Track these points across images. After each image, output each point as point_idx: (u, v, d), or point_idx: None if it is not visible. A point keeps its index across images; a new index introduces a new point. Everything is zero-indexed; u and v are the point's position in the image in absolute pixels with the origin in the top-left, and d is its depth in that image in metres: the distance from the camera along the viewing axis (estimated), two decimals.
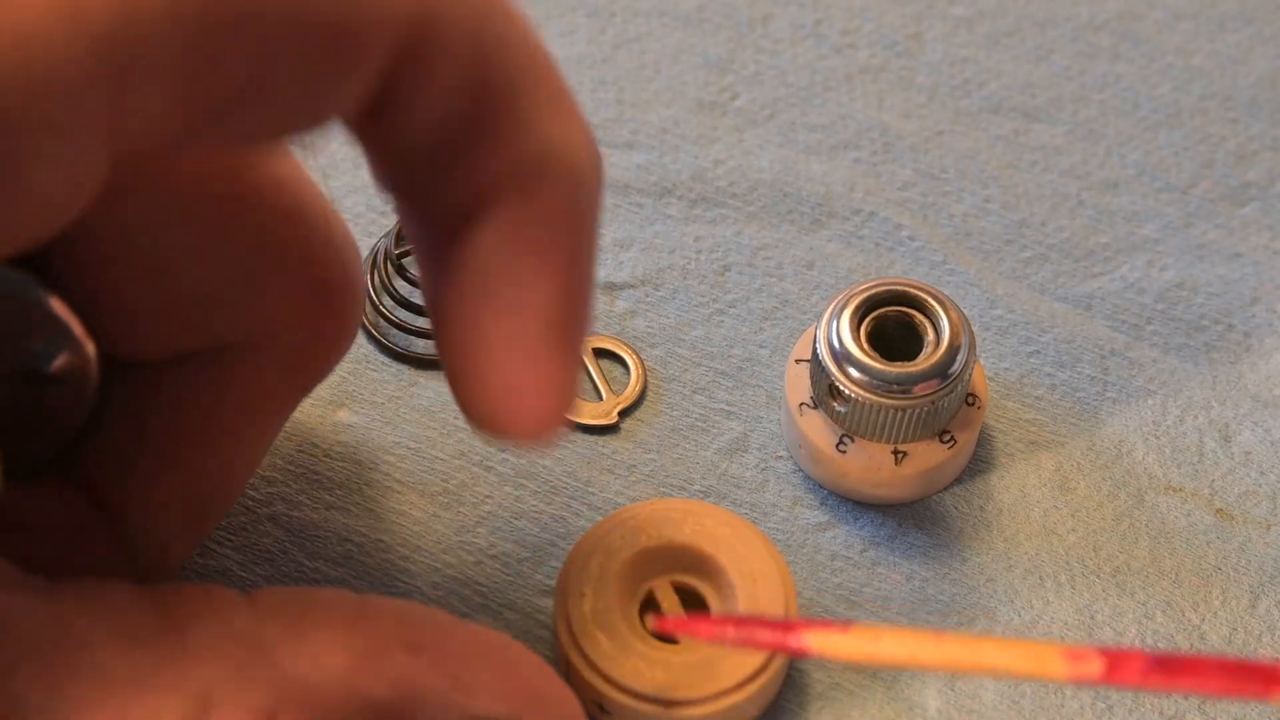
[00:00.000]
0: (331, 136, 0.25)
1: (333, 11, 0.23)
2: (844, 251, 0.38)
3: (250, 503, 0.33)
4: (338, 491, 0.34)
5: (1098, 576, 0.33)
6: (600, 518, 0.33)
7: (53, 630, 0.24)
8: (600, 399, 0.35)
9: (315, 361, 0.30)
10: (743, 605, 0.31)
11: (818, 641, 0.28)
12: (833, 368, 0.32)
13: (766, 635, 0.29)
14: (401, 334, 0.36)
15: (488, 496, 0.34)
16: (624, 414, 0.35)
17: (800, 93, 0.40)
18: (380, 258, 0.36)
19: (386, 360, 0.36)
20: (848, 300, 0.33)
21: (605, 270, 0.37)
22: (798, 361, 0.34)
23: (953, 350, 0.32)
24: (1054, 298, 0.37)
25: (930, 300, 0.33)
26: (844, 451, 0.33)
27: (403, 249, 0.36)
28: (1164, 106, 0.40)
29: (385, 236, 0.37)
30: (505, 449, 0.34)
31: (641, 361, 0.36)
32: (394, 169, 0.26)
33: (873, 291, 0.33)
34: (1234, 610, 0.33)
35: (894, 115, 0.40)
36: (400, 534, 0.33)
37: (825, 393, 0.33)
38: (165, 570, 0.30)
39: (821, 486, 0.34)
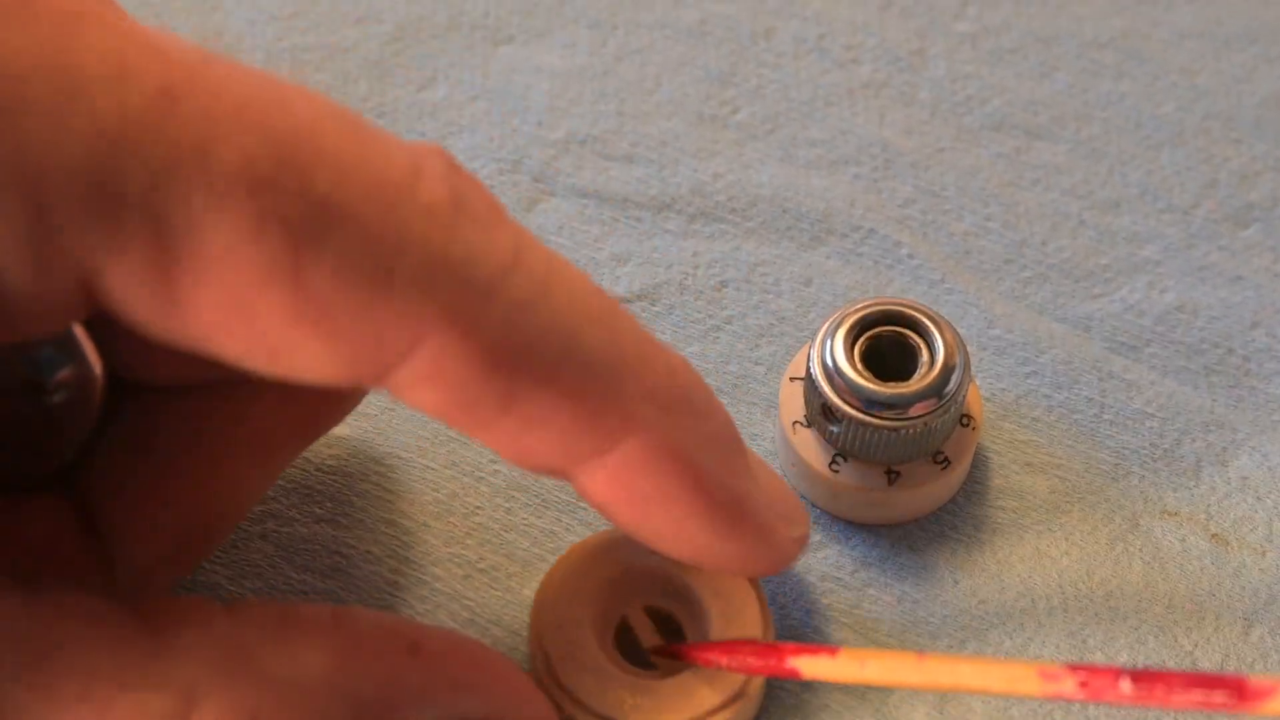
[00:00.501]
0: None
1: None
2: (842, 269, 0.37)
3: (242, 521, 0.33)
4: (328, 504, 0.34)
5: (1090, 600, 0.33)
6: (590, 533, 0.33)
7: (33, 629, 0.24)
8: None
9: (329, 405, 0.30)
10: (716, 626, 0.30)
11: (807, 666, 0.28)
12: (826, 387, 0.32)
13: (757, 661, 0.29)
14: None
15: (478, 508, 0.34)
16: None
17: (801, 107, 0.40)
18: None
19: None
20: (842, 319, 0.33)
21: (601, 284, 0.37)
22: (792, 379, 0.34)
23: (947, 371, 0.32)
24: (1053, 318, 0.37)
25: (925, 320, 0.33)
26: (837, 471, 0.33)
27: None
28: (1167, 126, 0.40)
29: None
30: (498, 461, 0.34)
31: None
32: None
33: (867, 311, 0.33)
34: (1227, 637, 0.33)
35: (895, 131, 0.40)
36: (389, 545, 0.33)
37: (818, 412, 0.33)
38: (144, 597, 0.30)
39: (814, 506, 0.34)
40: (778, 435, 0.34)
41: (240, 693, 0.24)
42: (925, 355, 0.32)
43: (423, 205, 0.23)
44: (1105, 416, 0.35)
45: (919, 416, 0.32)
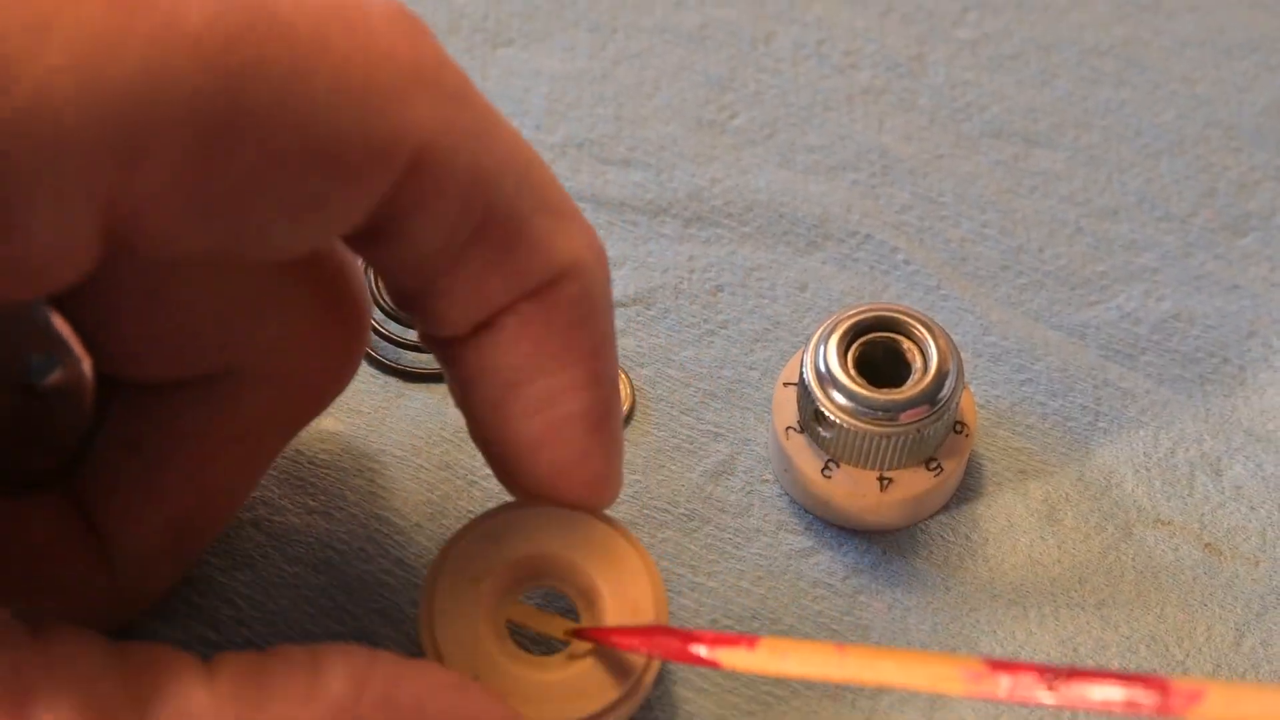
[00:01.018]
0: None
1: (344, 133, 0.24)
2: (838, 274, 0.37)
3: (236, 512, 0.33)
4: (321, 497, 0.34)
5: (1082, 609, 0.33)
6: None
7: (15, 692, 0.24)
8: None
9: (317, 392, 0.30)
10: (610, 608, 0.29)
11: (726, 657, 0.28)
12: (818, 393, 0.32)
13: (674, 645, 0.28)
14: (390, 346, 0.36)
15: (470, 511, 0.34)
16: None
17: (800, 113, 0.40)
18: (371, 271, 0.36)
19: (375, 372, 0.36)
20: (835, 325, 0.33)
21: None
22: (786, 385, 0.34)
23: (940, 377, 0.32)
24: (1048, 326, 0.37)
25: (918, 327, 0.33)
26: (829, 477, 0.33)
27: None
28: (1166, 134, 0.40)
29: None
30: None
31: (630, 381, 0.36)
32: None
33: (861, 317, 0.33)
34: (1218, 647, 0.33)
35: (894, 137, 0.39)
36: (382, 543, 0.33)
37: (811, 417, 0.33)
38: (145, 595, 0.30)
39: (806, 511, 0.34)
40: (771, 440, 0.34)
41: None
42: (919, 361, 0.32)
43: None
44: (1100, 424, 0.35)
45: (912, 423, 0.32)
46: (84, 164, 0.22)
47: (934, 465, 0.33)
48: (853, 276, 0.37)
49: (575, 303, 0.28)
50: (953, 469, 0.33)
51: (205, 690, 0.25)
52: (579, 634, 0.30)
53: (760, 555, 0.33)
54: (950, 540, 0.34)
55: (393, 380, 0.35)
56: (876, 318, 0.33)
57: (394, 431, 0.35)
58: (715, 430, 0.35)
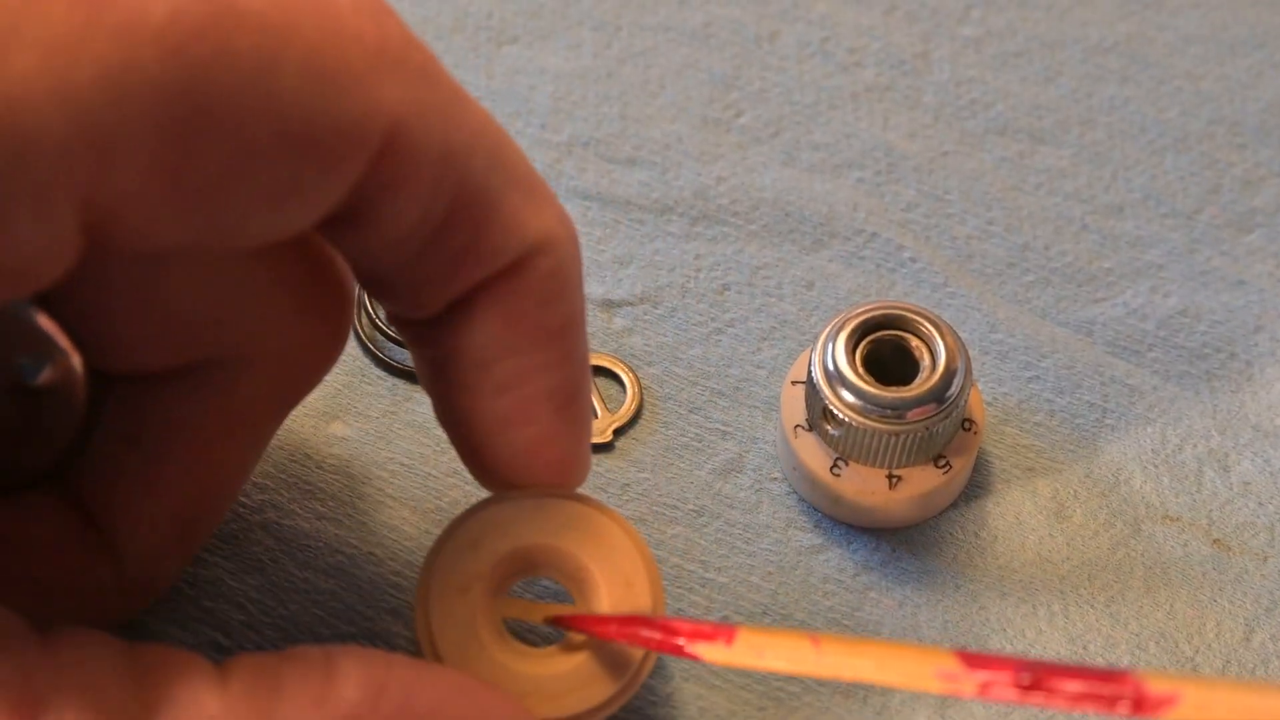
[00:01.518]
0: None
1: (315, 117, 0.24)
2: (845, 272, 0.37)
3: (242, 509, 0.33)
4: (330, 503, 0.34)
5: (1091, 606, 0.33)
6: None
7: (24, 697, 0.24)
8: (595, 416, 0.35)
9: (306, 372, 0.30)
10: (604, 585, 0.29)
11: (706, 651, 0.27)
12: (827, 391, 0.32)
13: (653, 637, 0.28)
14: (397, 347, 0.36)
15: None
16: (619, 432, 0.35)
17: (805, 111, 0.40)
18: None
19: (381, 374, 0.36)
20: (844, 323, 0.33)
21: (604, 287, 0.37)
22: (794, 383, 0.34)
23: (948, 375, 0.32)
24: (1055, 322, 0.37)
25: (926, 324, 0.33)
26: (838, 475, 0.33)
27: None
28: (1171, 131, 0.40)
29: None
30: None
31: (638, 380, 0.36)
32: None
33: (869, 315, 0.33)
34: (1228, 643, 0.33)
35: (899, 135, 0.39)
36: (392, 549, 0.33)
37: (819, 415, 0.33)
38: (154, 587, 0.30)
39: (815, 509, 0.34)
40: (779, 439, 0.34)
41: None
42: (927, 359, 0.32)
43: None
44: (1107, 421, 0.35)
45: (920, 420, 0.32)
46: (59, 162, 0.22)
47: (942, 463, 0.33)
48: (859, 274, 0.37)
49: (546, 279, 0.28)
50: (961, 466, 0.33)
51: (216, 693, 0.25)
52: (559, 622, 0.29)
53: (770, 551, 0.33)
54: (959, 537, 0.34)
55: (400, 382, 0.35)
56: (884, 315, 0.33)
57: (401, 437, 0.35)
58: (723, 429, 0.35)
